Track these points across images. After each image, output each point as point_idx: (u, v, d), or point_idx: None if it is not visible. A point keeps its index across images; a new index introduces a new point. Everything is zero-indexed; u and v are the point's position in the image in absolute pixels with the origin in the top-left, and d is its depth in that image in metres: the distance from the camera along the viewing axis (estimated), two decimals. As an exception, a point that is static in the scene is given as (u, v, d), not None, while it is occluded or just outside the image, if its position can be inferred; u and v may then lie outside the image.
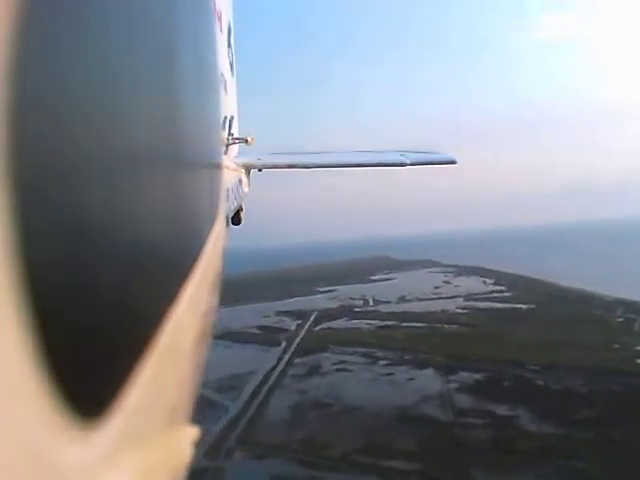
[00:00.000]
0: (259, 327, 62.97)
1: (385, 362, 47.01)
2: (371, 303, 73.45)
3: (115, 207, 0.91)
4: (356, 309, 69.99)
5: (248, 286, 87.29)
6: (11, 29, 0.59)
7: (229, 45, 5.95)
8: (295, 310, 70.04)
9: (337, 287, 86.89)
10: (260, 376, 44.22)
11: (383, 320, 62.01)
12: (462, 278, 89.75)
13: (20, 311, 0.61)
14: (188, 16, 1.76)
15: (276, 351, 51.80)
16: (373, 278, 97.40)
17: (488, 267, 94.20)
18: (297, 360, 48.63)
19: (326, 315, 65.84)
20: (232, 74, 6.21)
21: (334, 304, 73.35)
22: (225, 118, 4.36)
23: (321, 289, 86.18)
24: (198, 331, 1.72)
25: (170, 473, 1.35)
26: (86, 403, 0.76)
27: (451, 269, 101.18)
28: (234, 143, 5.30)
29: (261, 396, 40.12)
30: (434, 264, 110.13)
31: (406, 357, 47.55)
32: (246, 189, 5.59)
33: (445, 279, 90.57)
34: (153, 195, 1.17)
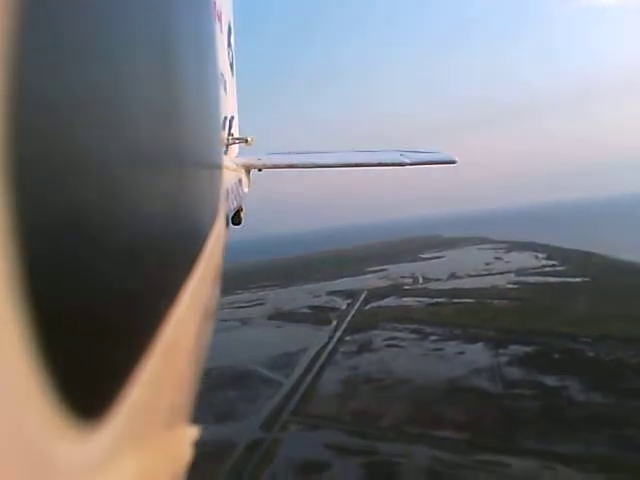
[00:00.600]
0: (310, 307, 64.17)
1: (435, 337, 47.47)
2: (421, 281, 73.72)
3: (115, 207, 0.92)
4: (406, 287, 70.44)
5: (300, 268, 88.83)
6: (11, 29, 0.59)
7: (229, 45, 5.93)
8: (345, 290, 70.97)
9: (387, 266, 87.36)
10: (312, 353, 45.41)
11: (433, 297, 62.29)
12: (514, 254, 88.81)
13: (19, 311, 0.61)
14: (188, 16, 1.76)
15: (327, 329, 52.89)
16: (423, 256, 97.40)
17: (541, 242, 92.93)
18: (348, 338, 49.61)
19: (376, 294, 66.53)
20: (232, 74, 6.25)
21: (384, 283, 73.97)
22: (225, 118, 4.36)
23: (371, 269, 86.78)
24: (198, 331, 1.73)
25: (170, 473, 1.37)
26: (86, 403, 0.77)
27: (502, 245, 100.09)
28: (234, 143, 5.32)
29: (313, 372, 41.28)
30: (485, 241, 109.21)
31: (456, 332, 47.89)
32: (246, 189, 5.59)
33: (496, 255, 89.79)
34: (153, 195, 1.18)
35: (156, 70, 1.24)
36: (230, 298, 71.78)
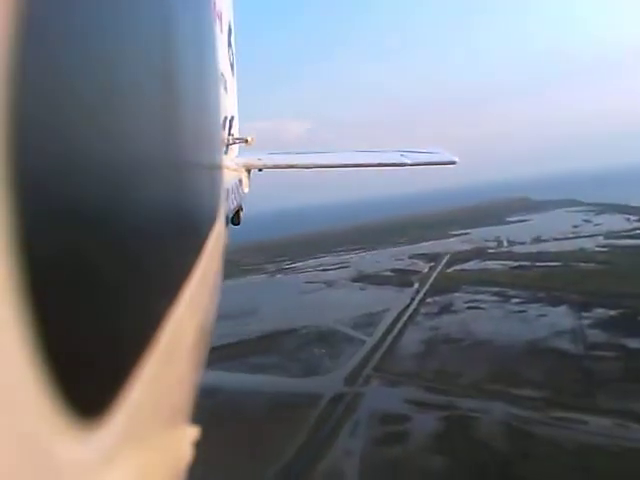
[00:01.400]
0: (393, 270, 65.30)
1: (517, 300, 47.58)
2: (505, 244, 73.12)
3: (115, 207, 0.92)
4: (490, 251, 70.15)
5: (383, 232, 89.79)
6: (11, 29, 0.58)
7: (229, 45, 5.94)
8: (428, 253, 71.53)
9: (471, 230, 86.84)
10: (394, 314, 46.73)
11: (517, 260, 61.89)
12: (604, 216, 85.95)
13: (20, 311, 0.61)
14: (188, 16, 1.76)
15: (409, 291, 53.98)
16: (509, 220, 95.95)
17: (634, 204, 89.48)
18: (429, 300, 50.58)
19: (459, 257, 66.78)
20: (232, 74, 6.24)
21: (467, 246, 73.85)
22: (225, 118, 4.34)
23: (455, 232, 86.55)
24: (198, 331, 1.73)
25: (170, 473, 1.38)
26: (86, 403, 0.77)
27: (592, 208, 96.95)
28: (234, 143, 5.31)
29: (395, 331, 42.66)
30: (575, 203, 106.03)
31: (539, 295, 47.80)
32: (246, 189, 5.57)
33: (585, 218, 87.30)
34: (153, 195, 1.18)
35: (156, 70, 1.25)
36: (315, 261, 73.96)
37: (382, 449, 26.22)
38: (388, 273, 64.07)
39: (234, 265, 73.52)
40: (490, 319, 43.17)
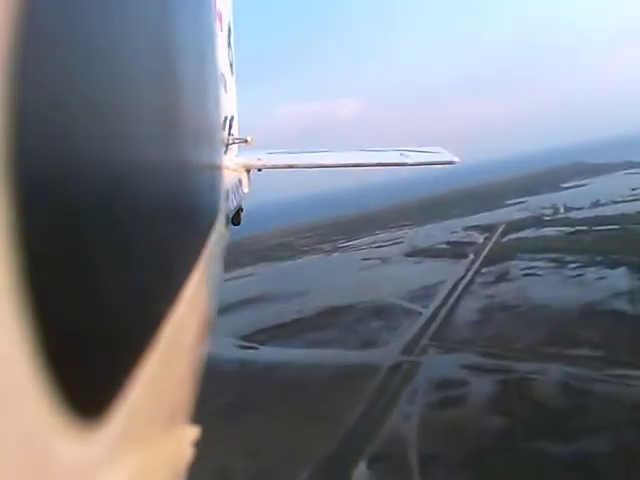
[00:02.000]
0: (447, 242, 65.27)
1: (574, 265, 47.13)
2: (562, 211, 71.86)
3: (116, 207, 0.91)
4: (545, 218, 69.16)
5: (437, 206, 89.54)
6: (11, 29, 0.58)
7: (229, 45, 5.93)
8: (483, 224, 71.03)
9: (527, 198, 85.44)
10: (449, 285, 47.09)
11: (574, 226, 60.91)
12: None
13: (20, 311, 0.60)
14: (188, 16, 1.74)
15: (464, 263, 54.04)
16: (565, 186, 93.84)
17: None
18: (485, 269, 50.63)
19: (514, 226, 66.16)
20: (232, 74, 6.23)
21: (523, 215, 72.91)
22: (225, 118, 4.35)
23: (510, 202, 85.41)
24: (198, 331, 1.73)
25: (170, 473, 1.40)
26: (86, 403, 0.77)
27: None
28: (234, 143, 5.30)
29: (451, 302, 43.15)
30: (634, 165, 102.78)
31: (597, 259, 47.20)
32: (246, 189, 5.57)
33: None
34: (154, 195, 1.18)
35: (157, 70, 1.24)
36: (370, 239, 74.63)
37: (440, 413, 27.00)
38: (442, 246, 64.09)
39: (288, 247, 75.03)
40: (547, 285, 43.09)
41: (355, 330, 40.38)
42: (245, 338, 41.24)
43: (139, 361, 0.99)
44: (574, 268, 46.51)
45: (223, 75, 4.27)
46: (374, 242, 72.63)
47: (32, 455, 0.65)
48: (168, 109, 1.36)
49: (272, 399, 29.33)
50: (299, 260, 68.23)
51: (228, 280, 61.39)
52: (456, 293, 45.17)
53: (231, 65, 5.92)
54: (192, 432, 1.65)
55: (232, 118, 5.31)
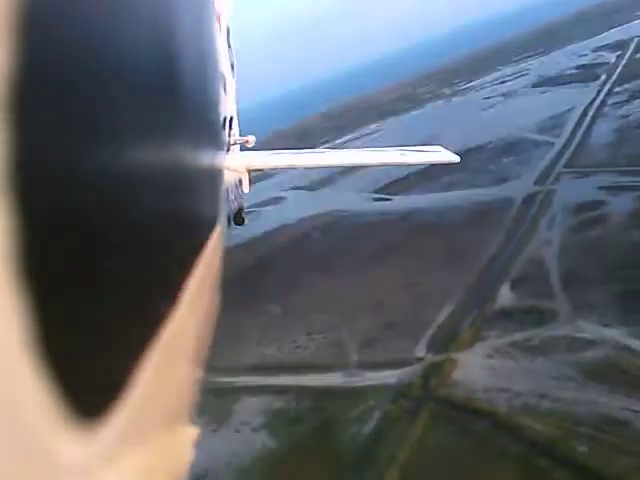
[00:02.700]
0: (576, 67, 61.91)
1: None
2: None
3: (115, 208, 0.91)
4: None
5: (562, 29, 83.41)
6: (11, 29, 0.58)
7: (229, 46, 5.93)
8: (613, 42, 66.01)
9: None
10: (580, 111, 45.69)
11: None
12: None
13: (20, 311, 0.61)
14: (188, 16, 1.75)
15: (595, 85, 51.57)
16: None
17: None
18: (617, 89, 48.13)
19: (650, 38, 61.11)
20: (232, 75, 6.22)
21: (659, 23, 66.81)
22: (225, 119, 4.42)
23: (642, 13, 77.95)
24: (198, 331, 1.74)
25: (170, 473, 1.39)
26: (86, 403, 0.77)
27: None
28: (235, 144, 5.38)
29: (583, 127, 42.19)
30: None
31: None
32: (246, 189, 5.61)
33: None
34: (153, 196, 1.18)
35: (157, 70, 1.24)
36: (491, 76, 72.05)
37: (580, 234, 27.64)
38: (570, 72, 60.90)
39: (408, 99, 74.26)
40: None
41: (486, 169, 40.83)
42: (378, 191, 42.96)
43: (139, 361, 1.00)
44: None
45: (223, 75, 4.27)
46: (496, 79, 70.09)
47: (33, 455, 0.66)
48: (168, 109, 1.37)
49: (414, 241, 31.18)
50: (420, 110, 67.73)
51: (350, 140, 62.62)
52: (587, 117, 43.83)
53: (231, 65, 5.88)
54: (192, 432, 1.65)
55: (232, 118, 5.28)
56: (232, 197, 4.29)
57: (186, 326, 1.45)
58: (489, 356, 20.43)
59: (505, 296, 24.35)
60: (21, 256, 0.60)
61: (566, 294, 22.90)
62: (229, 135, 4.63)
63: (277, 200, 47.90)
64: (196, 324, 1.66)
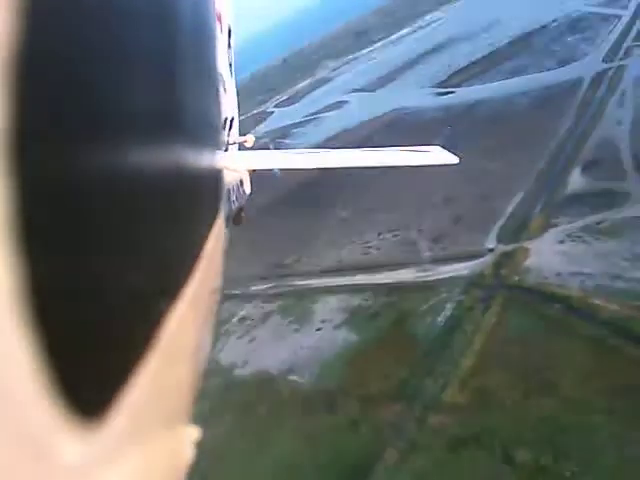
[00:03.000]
0: None
1: None
2: None
3: (114, 208, 0.91)
4: None
5: None
6: (11, 29, 0.58)
7: (229, 46, 5.84)
8: None
9: None
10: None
11: None
12: None
13: (20, 311, 0.61)
14: (188, 16, 1.73)
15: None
16: None
17: None
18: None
19: None
20: (232, 75, 6.03)
21: None
22: (225, 119, 4.39)
23: None
24: (198, 332, 1.75)
25: (170, 473, 1.40)
26: (86, 403, 0.77)
27: None
28: (234, 143, 5.32)
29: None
30: None
31: None
32: (248, 190, 5.58)
33: None
34: (153, 196, 1.18)
35: (156, 70, 1.24)
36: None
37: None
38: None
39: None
40: None
41: (551, 50, 39.08)
42: (440, 84, 42.02)
43: (140, 361, 1.00)
44: None
45: (222, 76, 4.20)
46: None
47: (33, 455, 0.66)
48: (168, 110, 1.37)
49: (480, 133, 30.62)
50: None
51: (408, 34, 60.34)
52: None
53: (230, 66, 5.71)
54: (192, 432, 1.65)
55: (232, 119, 5.22)
56: (233, 198, 4.28)
57: (186, 327, 1.45)
58: (561, 241, 20.49)
59: (576, 180, 24.07)
60: (20, 255, 0.61)
61: (638, 174, 22.48)
62: (229, 135, 4.59)
63: (338, 105, 47.55)
64: (196, 324, 1.66)
